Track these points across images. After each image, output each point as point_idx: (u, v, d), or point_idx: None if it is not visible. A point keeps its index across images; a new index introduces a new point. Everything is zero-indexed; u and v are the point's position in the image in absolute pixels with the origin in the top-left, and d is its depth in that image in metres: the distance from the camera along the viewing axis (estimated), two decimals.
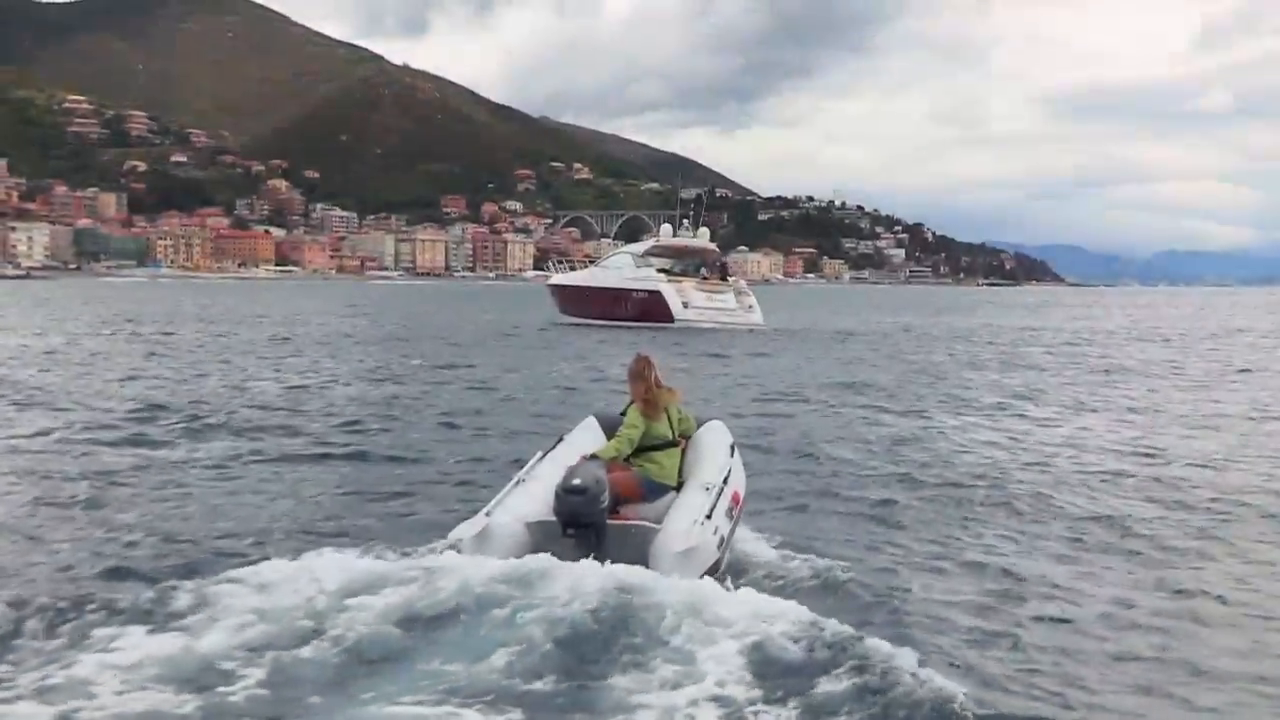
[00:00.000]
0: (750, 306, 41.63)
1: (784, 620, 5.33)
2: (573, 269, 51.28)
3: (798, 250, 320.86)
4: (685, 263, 43.85)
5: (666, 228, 44.55)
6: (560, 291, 46.15)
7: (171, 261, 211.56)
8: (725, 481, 7.05)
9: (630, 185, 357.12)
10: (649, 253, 43.20)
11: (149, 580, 6.42)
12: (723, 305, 40.96)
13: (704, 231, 44.86)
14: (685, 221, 45.51)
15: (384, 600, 5.50)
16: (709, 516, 6.41)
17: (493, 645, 5.06)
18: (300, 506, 9.15)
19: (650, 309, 39.92)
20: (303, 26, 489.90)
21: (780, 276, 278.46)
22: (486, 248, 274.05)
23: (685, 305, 39.97)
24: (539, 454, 7.48)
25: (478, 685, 4.77)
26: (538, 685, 4.80)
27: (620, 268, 42.87)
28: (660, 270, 42.42)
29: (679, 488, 7.16)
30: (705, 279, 42.67)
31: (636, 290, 40.99)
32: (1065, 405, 17.78)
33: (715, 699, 4.67)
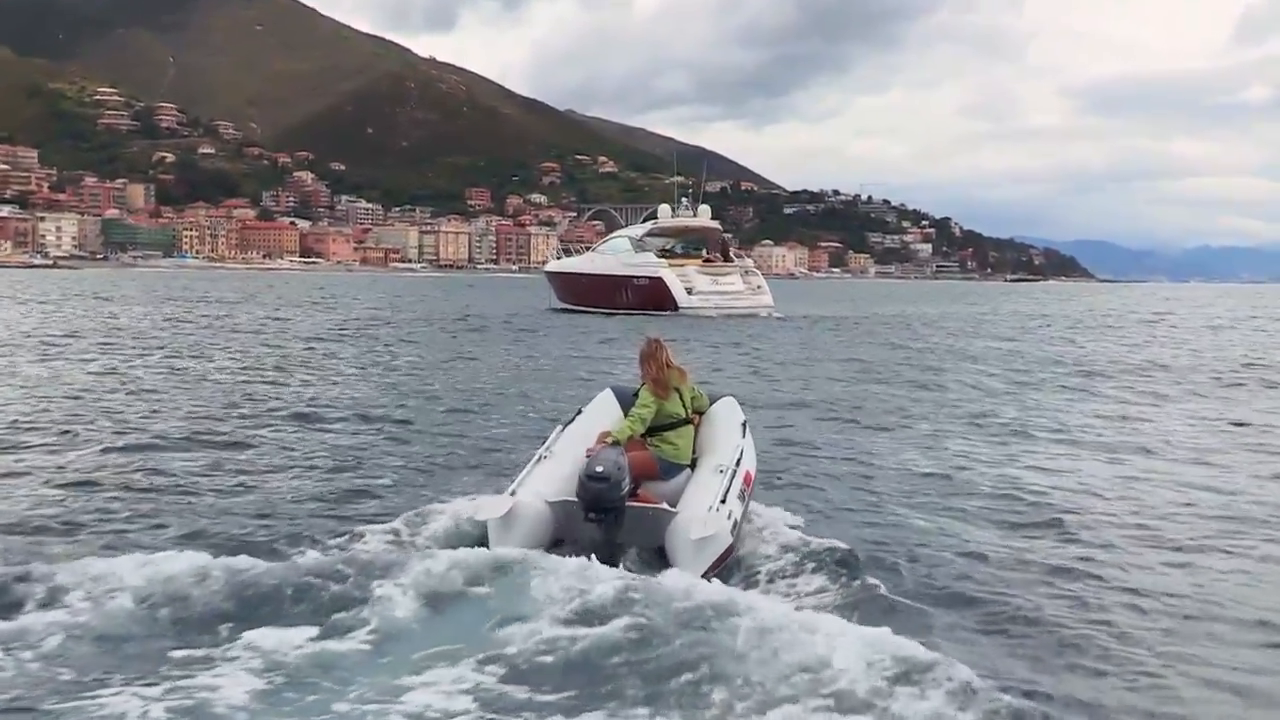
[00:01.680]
0: (759, 287, 39.76)
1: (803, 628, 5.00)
2: (567, 254, 49.21)
3: (823, 244, 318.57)
4: (686, 243, 42.09)
5: (664, 208, 42.42)
6: (558, 279, 44.19)
7: (197, 252, 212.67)
8: (737, 463, 7.18)
9: (655, 179, 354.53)
10: (648, 234, 41.27)
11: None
12: (729, 288, 38.97)
13: (705, 209, 42.76)
14: (684, 200, 43.50)
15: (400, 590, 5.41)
16: (723, 501, 6.55)
17: (506, 648, 4.90)
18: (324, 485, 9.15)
19: (652, 297, 37.79)
20: (330, 20, 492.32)
21: (805, 270, 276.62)
22: (510, 240, 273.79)
23: (689, 291, 37.88)
24: (559, 427, 7.71)
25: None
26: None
27: (618, 252, 40.84)
28: (662, 252, 40.69)
29: (693, 464, 7.39)
30: (708, 260, 40.69)
31: (637, 277, 38.86)
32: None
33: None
